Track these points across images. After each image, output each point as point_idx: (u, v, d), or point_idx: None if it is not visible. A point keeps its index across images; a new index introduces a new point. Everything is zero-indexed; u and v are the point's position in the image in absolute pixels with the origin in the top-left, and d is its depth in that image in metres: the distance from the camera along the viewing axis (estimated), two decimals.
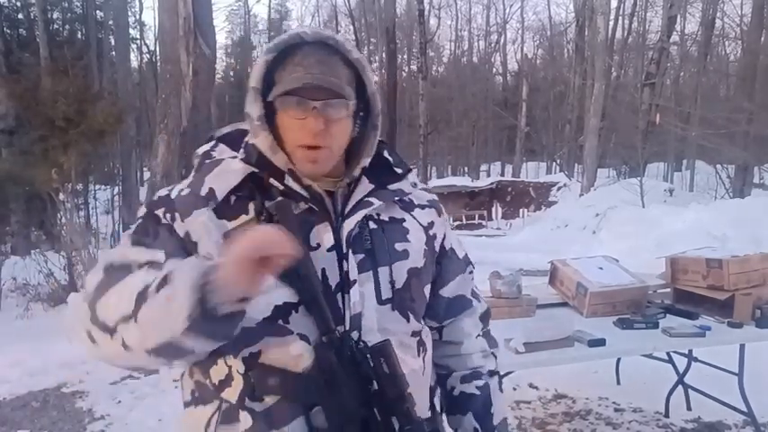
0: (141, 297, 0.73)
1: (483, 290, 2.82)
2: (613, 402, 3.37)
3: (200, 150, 0.96)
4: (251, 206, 0.88)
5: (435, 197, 1.06)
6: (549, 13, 41.00)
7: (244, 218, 0.87)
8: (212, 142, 0.97)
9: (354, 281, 0.88)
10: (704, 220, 7.96)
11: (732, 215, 7.86)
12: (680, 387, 3.20)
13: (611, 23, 19.01)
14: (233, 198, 0.88)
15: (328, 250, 0.88)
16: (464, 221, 17.14)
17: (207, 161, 0.93)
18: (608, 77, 16.59)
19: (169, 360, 0.80)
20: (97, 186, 13.76)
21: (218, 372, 0.87)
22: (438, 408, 1.03)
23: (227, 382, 0.86)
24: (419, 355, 0.94)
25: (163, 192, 0.92)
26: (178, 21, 6.37)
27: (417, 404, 0.87)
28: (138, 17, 25.10)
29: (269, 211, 0.86)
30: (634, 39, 23.71)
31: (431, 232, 1.01)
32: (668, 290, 3.02)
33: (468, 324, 1.07)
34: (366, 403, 0.81)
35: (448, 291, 1.05)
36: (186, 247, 0.85)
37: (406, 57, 30.07)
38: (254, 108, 0.89)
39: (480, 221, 17.14)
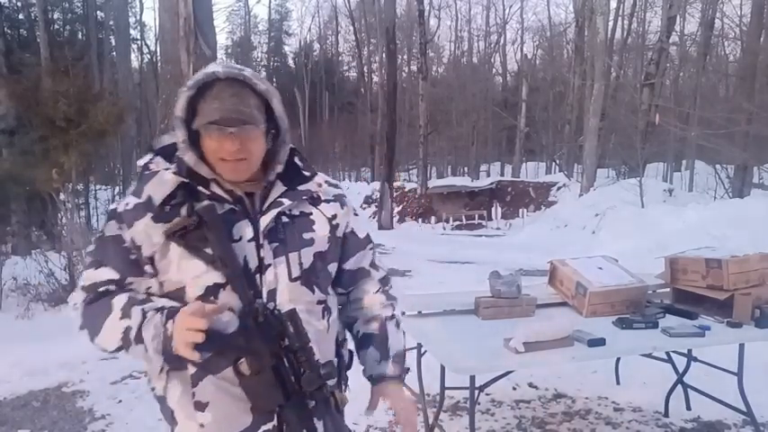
0: (125, 339, 1.08)
1: (483, 290, 2.85)
2: (613, 402, 3.38)
3: (141, 162, 1.18)
4: (183, 210, 1.11)
5: (341, 192, 1.31)
6: (549, 14, 41.08)
7: (177, 219, 1.10)
8: (150, 154, 1.18)
9: (269, 264, 1.14)
10: (704, 220, 7.97)
11: (732, 215, 7.87)
12: (679, 387, 3.20)
13: (611, 24, 19.00)
14: (167, 207, 1.11)
15: (248, 241, 1.13)
16: (464, 221, 17.16)
17: (146, 172, 1.16)
18: (607, 78, 16.58)
19: None
20: (98, 186, 13.73)
21: None
22: (345, 358, 1.31)
23: None
24: (324, 318, 1.21)
25: (114, 206, 1.18)
26: (178, 21, 6.38)
27: (322, 354, 1.15)
28: (138, 17, 25.12)
29: (198, 212, 1.08)
30: (633, 39, 23.69)
31: (334, 222, 1.26)
32: (668, 290, 3.03)
33: (367, 285, 1.36)
34: (277, 354, 1.06)
35: (350, 264, 1.32)
36: (132, 251, 1.12)
37: (406, 57, 30.07)
38: (179, 133, 1.13)
39: (480, 221, 17.14)
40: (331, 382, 1.15)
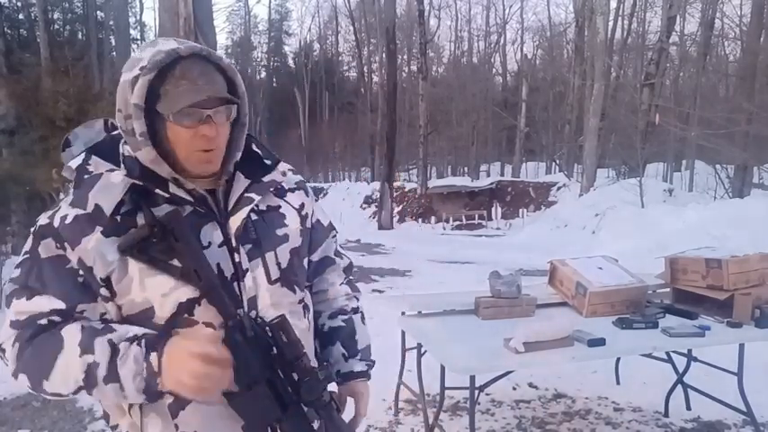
0: (89, 379, 0.88)
1: (483, 290, 2.85)
2: (613, 402, 3.38)
3: (73, 164, 0.98)
4: (138, 218, 0.95)
5: (301, 178, 1.20)
6: (549, 14, 41.20)
7: (134, 231, 0.93)
8: (83, 155, 0.99)
9: (247, 269, 1.00)
10: (704, 220, 7.98)
11: (732, 215, 7.88)
12: (679, 387, 3.21)
13: (611, 24, 19.01)
14: (119, 217, 0.94)
15: (219, 246, 0.99)
16: (464, 221, 17.17)
17: (85, 176, 0.96)
18: (607, 78, 16.59)
19: None
20: None
21: None
22: (319, 349, 1.22)
23: None
24: (305, 317, 1.11)
25: (44, 220, 0.96)
26: (178, 21, 6.38)
27: (308, 356, 1.03)
28: (138, 17, 25.17)
29: (161, 221, 0.93)
30: (633, 39, 23.71)
31: (303, 212, 1.14)
32: (668, 290, 3.03)
33: (332, 276, 1.26)
34: (269, 366, 0.94)
35: (316, 255, 1.22)
36: (79, 273, 0.94)
37: (406, 57, 30.09)
38: (138, 124, 0.93)
39: (480, 221, 17.15)
40: None
